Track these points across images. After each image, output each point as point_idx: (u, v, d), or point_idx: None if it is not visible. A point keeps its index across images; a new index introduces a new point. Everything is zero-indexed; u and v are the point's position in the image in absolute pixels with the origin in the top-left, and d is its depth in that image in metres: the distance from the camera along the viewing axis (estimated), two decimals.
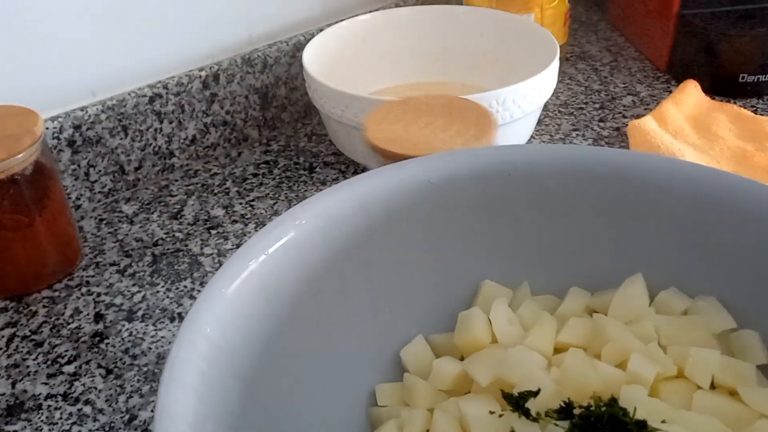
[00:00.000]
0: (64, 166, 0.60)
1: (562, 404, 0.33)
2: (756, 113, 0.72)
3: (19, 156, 0.48)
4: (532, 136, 0.70)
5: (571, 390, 0.34)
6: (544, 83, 0.61)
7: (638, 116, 0.73)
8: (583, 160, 0.39)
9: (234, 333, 0.32)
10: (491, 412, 0.34)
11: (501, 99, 0.57)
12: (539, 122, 0.73)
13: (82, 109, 0.60)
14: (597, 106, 0.76)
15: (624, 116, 0.74)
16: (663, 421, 0.32)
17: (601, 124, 0.73)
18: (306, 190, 0.65)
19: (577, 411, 0.32)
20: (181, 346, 0.29)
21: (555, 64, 0.62)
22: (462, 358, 0.40)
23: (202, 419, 0.28)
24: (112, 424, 0.44)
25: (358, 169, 0.67)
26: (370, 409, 0.39)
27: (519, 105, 0.59)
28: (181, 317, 0.51)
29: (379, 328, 0.41)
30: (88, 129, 0.61)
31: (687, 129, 0.69)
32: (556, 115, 0.75)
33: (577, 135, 0.71)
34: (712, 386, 0.35)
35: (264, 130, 0.74)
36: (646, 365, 0.34)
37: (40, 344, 0.50)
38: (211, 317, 0.31)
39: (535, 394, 0.34)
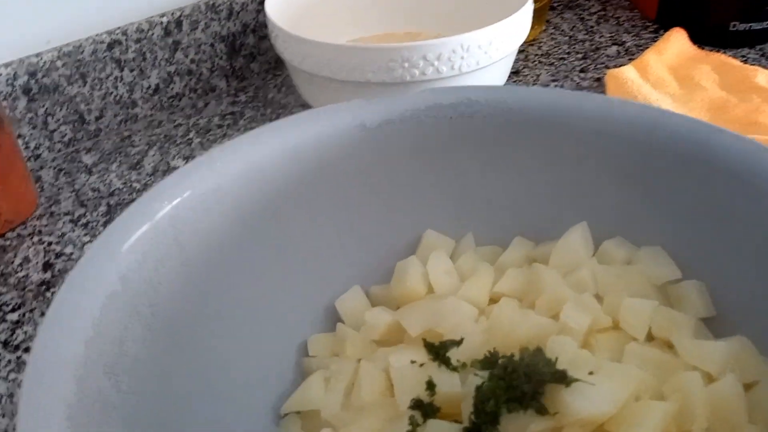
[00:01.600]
0: (21, 114, 0.59)
1: (487, 354, 0.31)
2: (745, 63, 0.69)
3: None
4: (509, 84, 0.68)
5: (499, 340, 0.33)
6: (513, 29, 0.58)
7: (620, 66, 0.70)
8: (523, 102, 0.37)
9: (137, 278, 0.30)
10: (413, 362, 0.33)
11: (465, 45, 0.55)
12: (517, 72, 0.71)
13: (36, 55, 0.58)
14: (580, 56, 0.73)
15: (607, 67, 0.71)
16: (590, 373, 0.30)
17: (582, 75, 0.70)
18: None
19: (502, 361, 0.31)
20: (70, 291, 0.28)
21: (526, 9, 0.59)
22: (398, 308, 0.38)
23: (90, 365, 0.27)
24: None
25: None
26: (302, 359, 0.38)
27: (485, 51, 0.56)
28: None
29: (315, 280, 0.39)
30: (44, 76, 0.59)
31: (668, 79, 0.66)
32: (535, 65, 0.72)
33: (556, 85, 0.69)
34: (651, 338, 0.34)
35: (232, 80, 0.72)
36: (578, 316, 0.33)
37: None
38: (109, 262, 0.29)
39: (458, 343, 0.32)
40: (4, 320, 0.47)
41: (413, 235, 0.41)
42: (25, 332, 0.46)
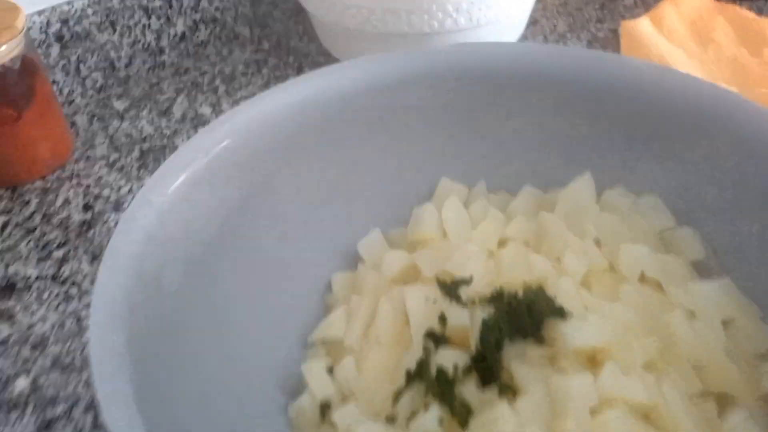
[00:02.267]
0: (54, 61, 0.62)
1: (494, 291, 0.35)
2: (759, 15, 0.70)
3: (0, 49, 0.50)
4: (525, 36, 0.69)
5: (505, 280, 0.36)
6: None
7: (637, 17, 0.71)
8: (536, 60, 0.40)
9: (178, 222, 0.34)
10: (428, 298, 0.36)
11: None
12: (535, 22, 0.72)
13: (68, 3, 0.61)
14: (597, 6, 0.74)
15: (623, 17, 0.72)
16: (586, 310, 0.34)
17: (599, 25, 0.71)
18: None
19: (507, 296, 0.34)
20: (124, 230, 0.31)
21: None
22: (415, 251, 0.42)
23: (138, 299, 0.30)
24: None
25: None
26: (326, 295, 0.42)
27: (503, 3, 0.58)
28: None
29: (339, 224, 0.43)
30: (75, 24, 0.62)
31: (682, 32, 0.67)
32: (553, 15, 0.73)
33: (572, 36, 0.70)
34: (645, 281, 0.37)
35: (255, 28, 0.74)
36: (578, 259, 0.36)
37: (31, 231, 0.53)
38: (152, 206, 0.33)
39: (468, 282, 0.36)
40: (51, 257, 0.51)
41: (429, 183, 0.44)
42: (71, 268, 0.50)
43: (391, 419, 0.33)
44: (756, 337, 0.33)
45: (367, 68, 0.40)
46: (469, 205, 0.42)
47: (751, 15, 0.68)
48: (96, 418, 0.41)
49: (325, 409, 0.36)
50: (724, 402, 0.32)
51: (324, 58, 0.70)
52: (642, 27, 0.66)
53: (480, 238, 0.39)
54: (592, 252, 0.37)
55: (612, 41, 0.69)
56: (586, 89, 0.39)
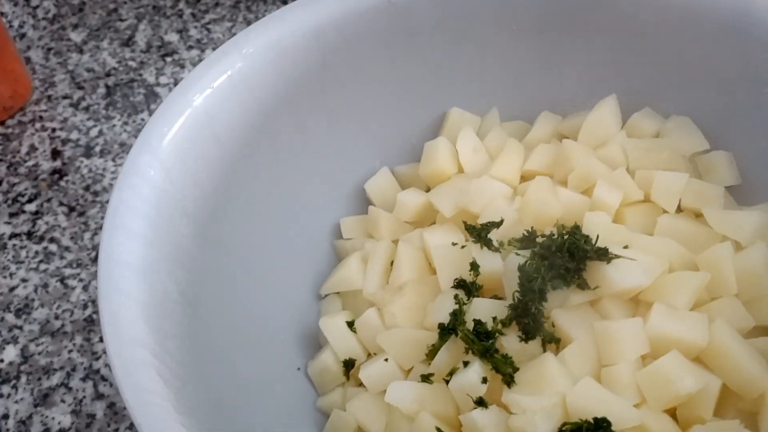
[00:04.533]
0: None
1: (525, 233, 0.32)
2: None
3: None
4: None
5: (534, 218, 0.34)
6: None
7: None
8: None
9: (181, 174, 0.30)
10: (454, 244, 0.34)
11: None
12: None
13: None
14: None
15: None
16: (625, 247, 0.31)
17: None
18: (266, 10, 0.60)
19: (540, 240, 0.32)
20: (123, 190, 0.28)
21: None
22: (428, 190, 0.39)
23: (150, 263, 0.27)
24: (80, 261, 0.44)
25: None
26: (336, 242, 0.39)
27: None
28: None
29: (343, 162, 0.39)
30: None
31: None
32: None
33: None
34: (680, 210, 0.35)
35: None
36: (611, 191, 0.34)
37: None
38: (153, 159, 0.29)
39: (498, 225, 0.33)
40: (23, 211, 0.47)
41: (437, 113, 0.41)
42: (47, 222, 0.46)
43: (426, 377, 0.31)
44: None
45: None
46: (484, 136, 0.39)
47: None
48: (96, 385, 0.38)
49: (349, 366, 0.34)
50: None
51: None
52: None
53: (500, 173, 0.36)
54: (625, 182, 0.34)
55: None
56: (605, 6, 0.36)
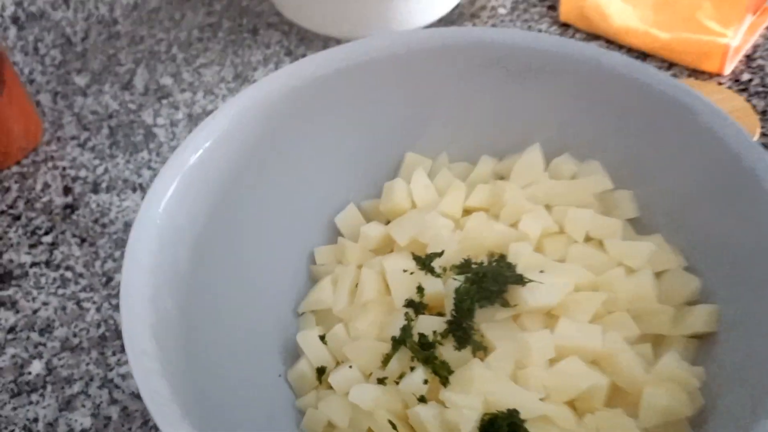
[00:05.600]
0: (12, 43, 0.62)
1: (463, 261, 0.40)
2: None
3: None
4: None
5: (472, 248, 0.41)
6: None
7: None
8: (485, 42, 0.43)
9: (179, 216, 0.38)
10: (405, 270, 0.41)
11: None
12: None
13: None
14: None
15: None
16: (541, 271, 0.39)
17: None
18: (251, 55, 0.67)
19: (474, 267, 0.39)
20: (136, 231, 0.35)
21: None
22: (387, 223, 0.46)
23: (156, 290, 0.35)
24: (92, 286, 0.51)
25: (300, 30, 0.69)
26: (311, 267, 0.47)
27: None
28: (141, 187, 0.57)
29: (316, 200, 0.47)
30: (30, 5, 0.62)
31: None
32: None
33: None
34: (588, 239, 0.42)
35: None
36: (533, 224, 0.41)
37: (17, 217, 0.55)
38: (157, 207, 0.37)
39: (440, 255, 0.41)
40: (41, 243, 0.54)
41: (395, 157, 0.48)
42: (62, 252, 0.53)
43: (382, 380, 0.38)
44: (683, 285, 0.39)
45: (335, 56, 0.44)
46: (434, 176, 0.47)
47: None
48: (111, 393, 0.46)
49: (321, 372, 0.41)
50: (658, 343, 0.39)
51: (277, 18, 0.71)
52: None
53: (446, 208, 0.44)
54: (544, 217, 0.42)
55: None
56: (533, 68, 0.43)
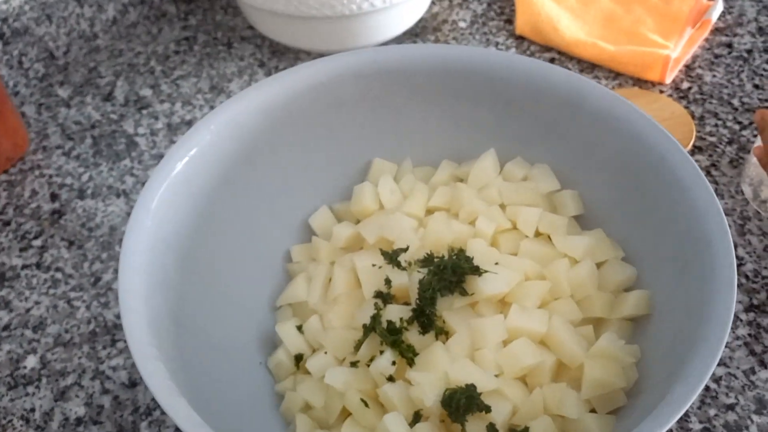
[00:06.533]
0: None
1: (425, 256, 0.44)
2: None
3: None
4: (433, 1, 0.77)
5: (433, 244, 0.46)
6: None
7: None
8: (444, 58, 0.48)
9: (166, 220, 0.41)
10: (374, 265, 0.45)
11: None
12: None
13: (5, 2, 0.64)
14: None
15: None
16: (496, 263, 0.44)
17: None
18: (226, 67, 0.71)
19: (435, 260, 0.44)
20: (128, 238, 0.39)
21: None
22: (357, 222, 0.51)
23: (148, 289, 0.39)
24: (81, 286, 0.54)
25: (272, 43, 0.73)
26: (287, 264, 0.51)
27: None
28: (125, 193, 0.60)
29: (291, 202, 0.51)
30: (14, 21, 0.65)
31: None
32: None
33: (473, 0, 0.78)
34: (538, 234, 0.47)
35: (180, 4, 0.78)
36: (488, 222, 0.46)
37: (7, 223, 0.59)
38: (146, 213, 0.40)
39: (405, 250, 0.45)
40: (31, 246, 0.57)
41: (363, 162, 0.53)
42: (52, 255, 0.56)
43: (354, 364, 0.42)
44: (620, 273, 0.44)
45: (306, 72, 0.48)
46: (399, 180, 0.51)
47: None
48: (103, 383, 0.49)
49: (298, 359, 0.45)
50: (598, 325, 0.43)
51: (251, 31, 0.75)
52: None
53: (410, 209, 0.48)
54: (498, 216, 0.47)
55: (508, 1, 0.77)
56: (487, 83, 0.48)
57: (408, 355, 0.41)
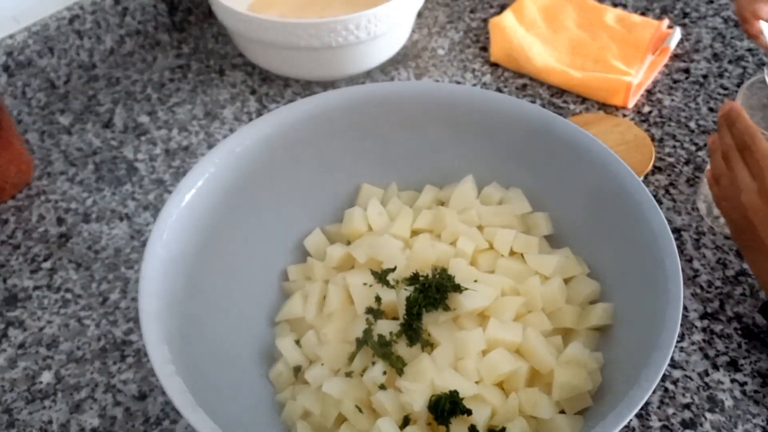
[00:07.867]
0: (2, 88, 0.69)
1: (412, 275, 0.49)
2: (602, 2, 0.85)
3: None
4: (413, 29, 0.82)
5: (418, 263, 0.50)
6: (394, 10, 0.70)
7: (504, 6, 0.85)
8: (428, 93, 0.53)
9: (175, 246, 0.46)
10: (365, 284, 0.50)
11: (377, 15, 0.68)
12: (419, 15, 0.85)
13: (10, 37, 0.68)
14: None
15: (491, 7, 0.86)
16: (475, 281, 0.49)
17: (472, 15, 0.85)
18: (219, 94, 0.76)
19: (421, 279, 0.49)
20: (144, 264, 0.43)
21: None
22: (348, 243, 0.55)
23: (161, 310, 0.43)
24: (90, 305, 0.58)
25: (262, 71, 0.78)
26: (284, 283, 0.55)
27: (391, 17, 0.70)
28: (128, 217, 0.64)
29: (287, 225, 0.55)
30: (18, 54, 0.69)
31: (539, 21, 0.82)
32: (434, 7, 0.86)
33: (451, 27, 0.83)
34: (513, 253, 0.52)
35: (174, 33, 0.82)
36: (468, 243, 0.51)
37: (17, 246, 0.62)
38: (159, 241, 0.45)
39: (393, 270, 0.50)
40: (41, 268, 0.61)
41: (353, 187, 0.57)
42: (61, 276, 0.60)
43: (348, 374, 0.47)
44: (586, 288, 0.49)
45: (301, 108, 0.53)
46: (386, 203, 0.56)
47: (592, 3, 0.83)
48: (114, 396, 0.53)
49: (297, 371, 0.50)
50: (567, 335, 0.49)
51: (241, 59, 0.80)
52: (506, 21, 0.80)
53: (397, 231, 0.53)
54: (477, 237, 0.52)
55: (483, 30, 0.82)
56: (466, 116, 0.53)
57: (397, 366, 0.45)
